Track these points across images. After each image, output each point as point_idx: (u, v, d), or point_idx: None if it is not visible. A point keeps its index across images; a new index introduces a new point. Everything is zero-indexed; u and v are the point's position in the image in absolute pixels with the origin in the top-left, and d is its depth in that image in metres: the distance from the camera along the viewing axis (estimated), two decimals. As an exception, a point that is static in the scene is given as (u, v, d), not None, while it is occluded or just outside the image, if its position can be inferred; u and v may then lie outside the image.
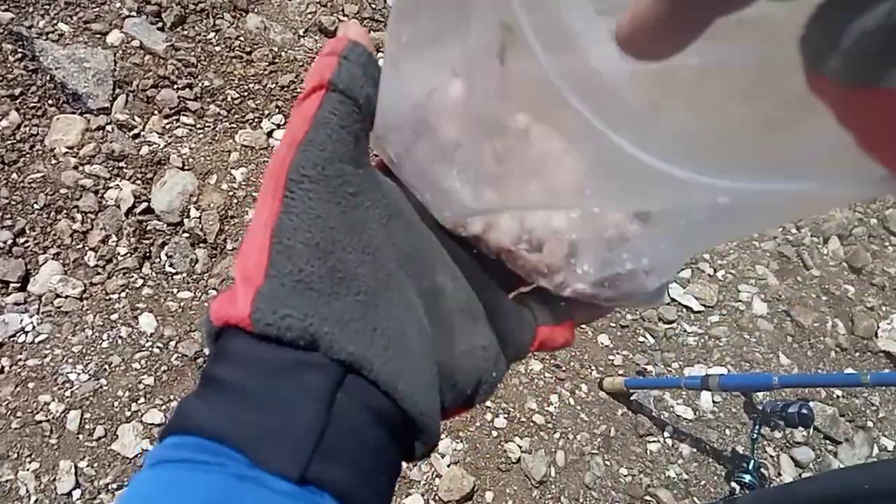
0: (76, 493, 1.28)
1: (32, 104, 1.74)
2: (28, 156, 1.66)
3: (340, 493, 0.22)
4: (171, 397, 1.42)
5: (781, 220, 0.26)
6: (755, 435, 1.64)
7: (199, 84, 1.89)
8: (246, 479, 0.21)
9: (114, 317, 1.48)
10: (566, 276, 0.32)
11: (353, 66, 0.28)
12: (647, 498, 1.59)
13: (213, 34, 2.02)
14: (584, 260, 0.31)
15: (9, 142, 1.65)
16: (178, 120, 1.82)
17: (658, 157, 0.21)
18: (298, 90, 1.97)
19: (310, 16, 2.20)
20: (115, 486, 1.30)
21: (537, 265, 0.32)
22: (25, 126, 1.70)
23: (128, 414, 1.38)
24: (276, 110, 1.92)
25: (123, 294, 1.52)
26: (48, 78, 1.78)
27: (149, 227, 1.62)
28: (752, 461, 1.61)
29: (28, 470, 1.29)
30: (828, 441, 1.80)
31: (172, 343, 1.48)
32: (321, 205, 0.25)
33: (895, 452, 1.82)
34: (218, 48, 1.99)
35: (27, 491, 1.27)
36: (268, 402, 0.22)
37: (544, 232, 0.31)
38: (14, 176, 1.62)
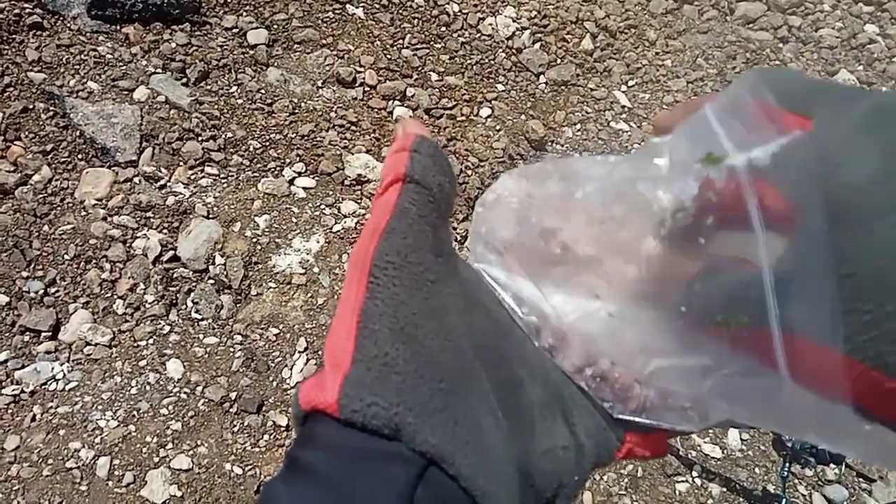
0: (105, 542, 1.28)
1: (63, 159, 1.80)
2: (59, 209, 1.71)
3: None
4: (199, 442, 1.42)
5: None
6: (785, 473, 1.61)
7: (223, 135, 1.96)
8: None
9: (142, 363, 1.51)
10: (637, 407, 0.31)
11: (424, 157, 0.30)
12: (679, 539, 1.56)
13: (235, 88, 2.10)
14: (657, 391, 0.30)
15: (41, 195, 1.71)
16: (202, 170, 1.88)
17: None
18: (318, 139, 2.03)
19: (328, 67, 2.27)
20: (143, 533, 1.30)
21: (603, 393, 0.31)
22: (56, 180, 1.76)
23: (156, 460, 1.38)
24: (297, 159, 1.97)
25: (151, 341, 1.54)
26: (78, 133, 1.85)
27: (175, 275, 1.65)
28: (784, 500, 1.58)
29: (58, 518, 1.29)
30: (861, 479, 1.76)
31: (199, 388, 1.50)
32: (405, 291, 0.26)
33: (931, 489, 1.78)
34: (240, 101, 2.07)
35: (57, 539, 1.27)
36: (350, 491, 0.22)
37: (611, 364, 0.31)
38: (45, 228, 1.66)
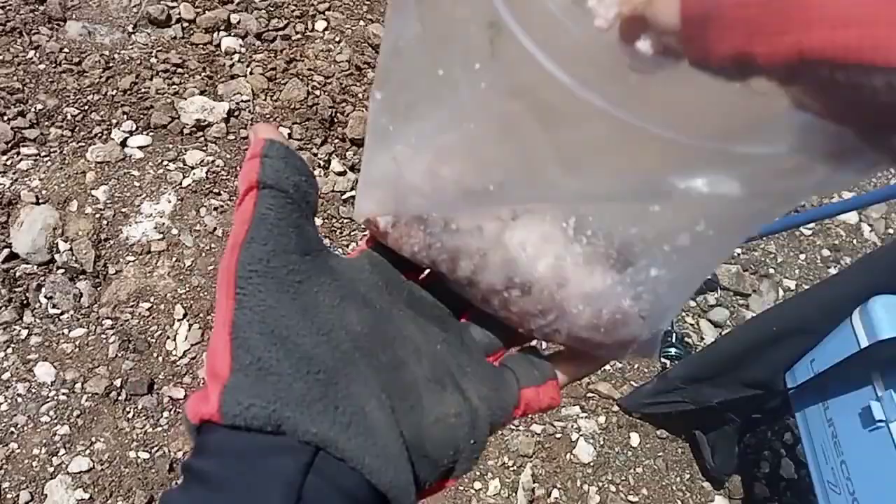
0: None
1: None
2: None
3: None
4: (93, 439, 1.34)
5: (755, 228, 0.29)
6: (672, 309, 1.72)
7: (32, 109, 1.74)
8: None
9: (5, 376, 1.38)
10: (557, 317, 0.32)
11: (275, 161, 0.30)
12: (590, 395, 1.66)
13: (32, 52, 1.85)
14: (575, 300, 0.32)
15: None
16: (18, 153, 1.67)
17: (621, 108, 0.24)
18: (143, 90, 1.84)
19: (135, 9, 2.04)
20: (57, 545, 1.23)
21: (528, 307, 0.32)
22: None
23: (51, 470, 1.30)
24: (125, 117, 1.79)
25: (10, 350, 1.41)
26: None
27: (18, 274, 1.49)
28: (674, 334, 1.70)
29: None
30: (738, 297, 1.93)
31: (78, 385, 1.39)
32: (271, 295, 0.27)
33: (797, 290, 1.97)
34: (42, 66, 1.83)
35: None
36: (241, 488, 0.23)
37: (533, 272, 0.31)
38: None
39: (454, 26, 0.27)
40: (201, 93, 1.88)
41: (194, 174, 1.71)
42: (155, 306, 1.51)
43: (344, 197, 1.81)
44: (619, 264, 0.31)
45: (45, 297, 1.48)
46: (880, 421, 1.07)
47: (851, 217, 2.22)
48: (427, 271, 0.36)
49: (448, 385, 0.31)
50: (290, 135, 1.85)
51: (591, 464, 1.56)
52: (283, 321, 0.27)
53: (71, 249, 1.53)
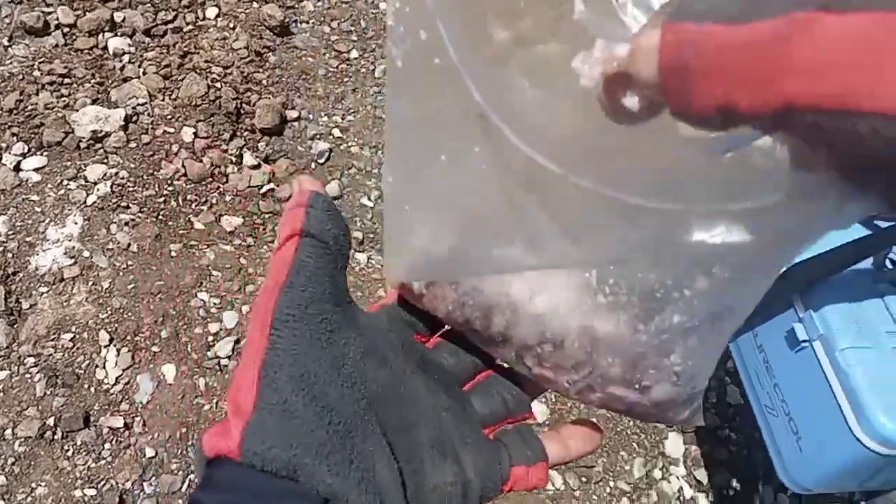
0: None
1: None
2: None
3: None
4: (33, 485, 1.28)
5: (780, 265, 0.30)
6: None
7: None
8: None
9: (-75, 435, 1.30)
10: (591, 371, 0.32)
11: (319, 212, 0.31)
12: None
13: None
14: (605, 351, 0.32)
15: None
16: None
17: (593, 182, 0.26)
18: (30, 108, 1.72)
19: (7, 20, 1.89)
20: None
21: (561, 362, 0.33)
22: None
23: (-8, 524, 1.24)
24: (14, 138, 1.67)
25: (-74, 406, 1.33)
26: None
27: (-78, 324, 1.40)
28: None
29: None
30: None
31: (8, 431, 1.33)
32: (304, 341, 0.28)
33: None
34: (-89, 96, 1.69)
35: None
36: None
37: (563, 325, 0.32)
38: None
39: (449, 117, 0.29)
40: (93, 101, 1.77)
41: (98, 190, 1.62)
42: (78, 336, 1.44)
43: (262, 191, 1.75)
44: (643, 313, 0.31)
45: (-44, 344, 1.40)
46: (804, 341, 1.11)
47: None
48: (438, 336, 0.38)
49: (448, 454, 0.32)
50: (195, 133, 1.77)
51: (547, 421, 1.59)
52: (312, 368, 0.27)
53: (-24, 290, 1.44)
